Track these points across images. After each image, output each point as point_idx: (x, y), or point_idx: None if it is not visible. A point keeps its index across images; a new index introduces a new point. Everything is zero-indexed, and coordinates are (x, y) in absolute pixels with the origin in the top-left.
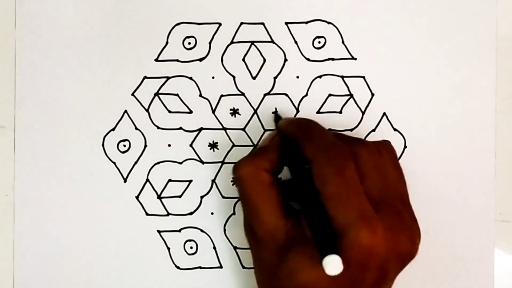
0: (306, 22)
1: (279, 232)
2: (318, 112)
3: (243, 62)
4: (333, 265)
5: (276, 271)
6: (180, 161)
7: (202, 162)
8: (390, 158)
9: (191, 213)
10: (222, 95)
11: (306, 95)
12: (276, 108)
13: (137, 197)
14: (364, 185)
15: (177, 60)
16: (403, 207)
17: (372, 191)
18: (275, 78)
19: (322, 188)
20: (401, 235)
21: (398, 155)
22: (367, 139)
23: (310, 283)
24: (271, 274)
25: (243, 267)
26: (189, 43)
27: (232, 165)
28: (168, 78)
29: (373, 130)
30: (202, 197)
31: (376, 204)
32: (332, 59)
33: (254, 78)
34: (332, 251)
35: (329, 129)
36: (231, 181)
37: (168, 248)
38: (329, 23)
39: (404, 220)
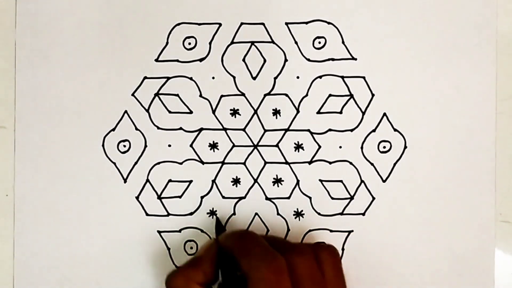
0: (306, 22)
1: None
2: (318, 112)
3: (243, 62)
4: None
5: None
6: (180, 161)
7: (202, 163)
8: (331, 266)
9: (191, 213)
10: (222, 95)
11: (306, 95)
12: (216, 215)
13: (137, 197)
14: None
15: (177, 60)
16: None
17: None
18: (275, 78)
19: None
20: None
21: (399, 156)
22: (367, 139)
23: None
24: None
25: None
26: (189, 43)
27: (231, 164)
28: (168, 78)
29: (373, 131)
30: (202, 197)
31: None
32: (332, 59)
33: (254, 78)
34: None
35: (329, 129)
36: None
37: (168, 248)
38: (329, 23)
39: None
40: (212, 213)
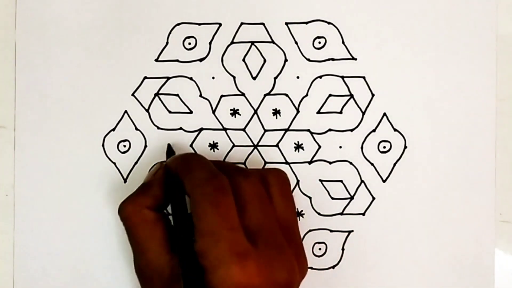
0: (307, 22)
1: (164, 268)
2: (318, 112)
3: (243, 62)
4: None
5: None
6: None
7: None
8: (279, 188)
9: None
10: (222, 95)
11: (306, 95)
12: (169, 144)
13: None
14: (242, 218)
15: (177, 60)
16: (286, 238)
17: (251, 221)
18: (275, 78)
19: (197, 225)
20: (278, 267)
21: (399, 156)
22: (367, 139)
23: None
24: None
25: None
26: (189, 43)
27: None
28: (168, 78)
29: (373, 131)
30: None
31: (253, 235)
32: (333, 59)
33: (254, 78)
34: None
35: (329, 129)
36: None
37: None
38: (329, 23)
39: (282, 252)
40: None
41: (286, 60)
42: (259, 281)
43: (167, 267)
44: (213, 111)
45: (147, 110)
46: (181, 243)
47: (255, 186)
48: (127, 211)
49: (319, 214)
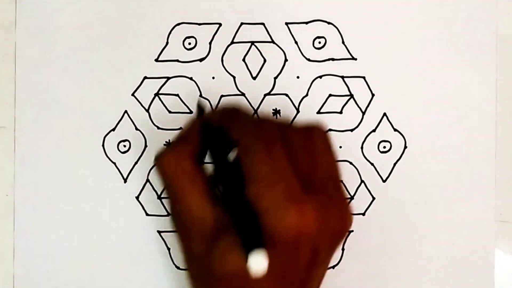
0: (307, 22)
1: (206, 219)
2: (319, 112)
3: (243, 62)
4: (258, 265)
5: (205, 260)
6: None
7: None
8: (322, 142)
9: None
10: (222, 96)
11: (307, 95)
12: (199, 99)
13: (137, 198)
14: (292, 165)
15: (177, 60)
16: (333, 187)
17: (301, 171)
18: (275, 78)
19: (248, 169)
20: (331, 213)
21: (399, 156)
22: (367, 139)
23: (240, 271)
24: (200, 263)
25: None
26: (189, 43)
27: None
28: (168, 78)
29: (374, 131)
30: None
31: (305, 184)
32: (333, 59)
33: (254, 78)
34: (256, 243)
35: (329, 129)
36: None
37: (168, 248)
38: (329, 23)
39: (333, 198)
40: None
41: (286, 60)
42: (315, 226)
43: (210, 218)
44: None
45: (147, 110)
46: (231, 191)
47: (301, 138)
48: (167, 160)
49: None
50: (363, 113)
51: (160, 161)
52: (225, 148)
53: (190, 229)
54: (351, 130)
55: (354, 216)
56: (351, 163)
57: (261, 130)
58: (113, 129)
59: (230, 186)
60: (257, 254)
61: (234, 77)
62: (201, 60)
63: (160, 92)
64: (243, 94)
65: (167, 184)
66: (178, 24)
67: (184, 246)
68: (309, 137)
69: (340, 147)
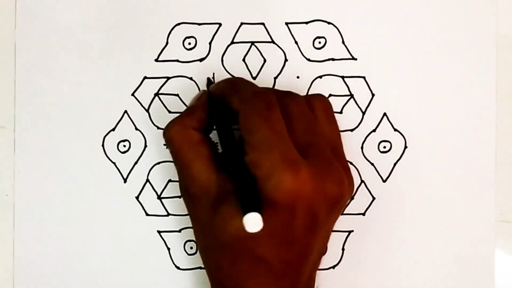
0: (307, 22)
1: (210, 186)
2: None
3: (243, 63)
4: (252, 222)
5: (210, 225)
6: None
7: None
8: (324, 111)
9: None
10: None
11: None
12: (208, 78)
13: (137, 198)
14: (290, 132)
15: (177, 60)
16: (333, 155)
17: (299, 137)
18: (275, 78)
19: (247, 138)
20: (328, 179)
21: (399, 156)
22: (367, 139)
23: (242, 233)
24: (206, 229)
25: None
26: (189, 43)
27: None
28: (168, 78)
29: (374, 131)
30: None
31: (302, 149)
32: (333, 59)
33: (254, 78)
34: (253, 206)
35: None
36: (164, 145)
37: (168, 248)
38: (329, 23)
39: (331, 164)
40: None
41: (286, 60)
42: (311, 189)
43: (214, 185)
44: None
45: (147, 110)
46: (232, 157)
47: (301, 106)
48: (174, 131)
49: None
50: (363, 113)
51: (167, 131)
52: (228, 118)
53: (195, 196)
54: (351, 130)
55: (354, 216)
56: (351, 163)
57: (258, 98)
58: (113, 129)
59: (232, 154)
60: (252, 214)
61: None
62: (201, 60)
63: (160, 92)
64: None
65: (174, 153)
66: (178, 24)
67: (192, 214)
68: (310, 106)
69: None
